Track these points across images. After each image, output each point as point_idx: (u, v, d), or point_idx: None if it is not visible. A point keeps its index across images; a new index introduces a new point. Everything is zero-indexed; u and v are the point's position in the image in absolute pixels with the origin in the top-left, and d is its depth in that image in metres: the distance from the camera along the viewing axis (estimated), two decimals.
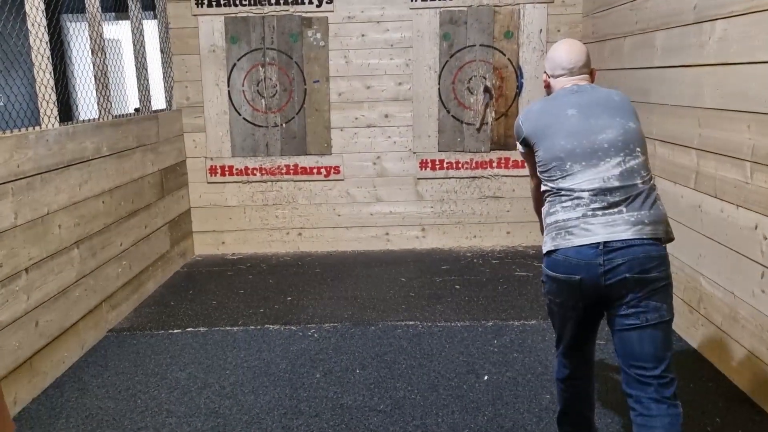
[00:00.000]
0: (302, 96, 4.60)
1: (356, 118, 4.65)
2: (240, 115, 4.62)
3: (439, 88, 4.59)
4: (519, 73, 4.57)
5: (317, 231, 4.79)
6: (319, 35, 4.53)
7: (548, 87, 2.01)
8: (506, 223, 4.76)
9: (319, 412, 2.48)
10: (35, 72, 2.87)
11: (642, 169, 1.78)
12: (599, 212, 1.73)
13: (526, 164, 2.10)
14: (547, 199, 1.88)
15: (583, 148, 1.79)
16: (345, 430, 2.36)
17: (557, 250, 1.78)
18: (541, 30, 4.50)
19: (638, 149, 1.80)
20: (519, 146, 2.02)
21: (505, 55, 4.55)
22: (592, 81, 1.96)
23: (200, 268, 4.47)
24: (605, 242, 1.70)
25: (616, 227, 1.71)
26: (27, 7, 2.82)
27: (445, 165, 4.70)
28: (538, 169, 1.92)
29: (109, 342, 3.23)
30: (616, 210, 1.73)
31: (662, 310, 1.73)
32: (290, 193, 4.74)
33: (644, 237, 1.70)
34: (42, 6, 2.87)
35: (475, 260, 4.46)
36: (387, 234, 4.81)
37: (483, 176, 4.71)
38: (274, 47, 4.54)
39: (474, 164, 4.69)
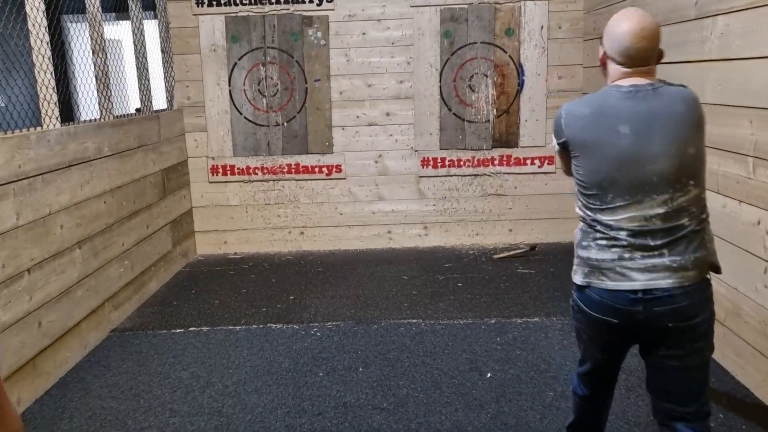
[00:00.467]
0: (303, 95, 4.59)
1: (357, 117, 4.65)
2: (241, 114, 4.62)
3: (440, 86, 4.58)
4: (520, 71, 4.56)
5: (319, 230, 4.78)
6: (319, 34, 4.52)
7: (604, 66, 1.70)
8: (508, 220, 4.76)
9: (322, 411, 2.48)
10: (36, 72, 2.87)
11: (693, 205, 1.55)
12: (638, 255, 1.54)
13: (557, 160, 1.90)
14: (582, 227, 1.67)
15: (630, 180, 1.54)
16: (348, 428, 2.36)
17: (590, 286, 1.61)
18: (542, 27, 4.49)
19: (692, 182, 1.54)
20: (554, 142, 1.78)
21: (506, 52, 4.54)
22: (658, 61, 1.63)
23: (202, 267, 4.47)
24: (644, 290, 1.52)
25: (656, 273, 1.52)
26: (27, 8, 2.82)
27: (446, 163, 4.69)
28: (577, 186, 1.69)
29: (112, 342, 3.24)
30: (656, 253, 1.52)
31: (705, 350, 1.60)
32: (292, 192, 4.74)
33: (688, 284, 1.52)
34: (42, 7, 2.87)
35: (477, 258, 4.45)
36: (389, 232, 4.80)
37: (485, 174, 4.70)
38: (274, 46, 4.53)
39: (476, 162, 4.68)
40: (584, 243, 1.64)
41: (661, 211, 1.53)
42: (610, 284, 1.56)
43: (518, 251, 4.11)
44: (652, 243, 1.53)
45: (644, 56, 1.59)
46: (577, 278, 1.66)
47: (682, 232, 1.53)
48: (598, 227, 1.60)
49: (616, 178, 1.56)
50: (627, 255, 1.55)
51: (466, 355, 2.92)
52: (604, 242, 1.58)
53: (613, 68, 1.65)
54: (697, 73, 2.82)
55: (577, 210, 1.69)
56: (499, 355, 2.91)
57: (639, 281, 1.53)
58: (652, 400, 1.69)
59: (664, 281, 1.51)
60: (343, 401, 2.55)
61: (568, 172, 1.79)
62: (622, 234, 1.55)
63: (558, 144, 1.74)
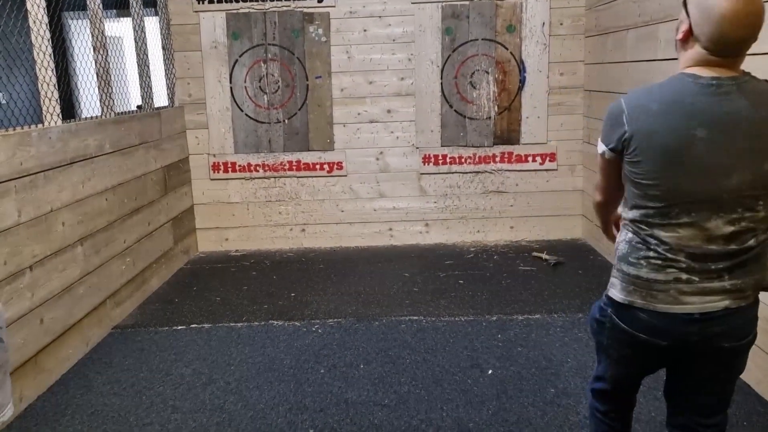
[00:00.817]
0: (304, 92, 4.59)
1: (359, 114, 4.64)
2: (242, 111, 4.62)
3: (441, 83, 4.58)
4: (522, 68, 4.55)
5: (320, 227, 4.78)
6: (320, 31, 4.52)
7: (684, 41, 1.41)
8: (510, 218, 4.75)
9: (323, 407, 2.49)
10: (37, 69, 2.87)
11: (760, 226, 1.38)
12: (695, 278, 1.39)
13: (599, 174, 1.54)
14: (630, 239, 1.47)
15: (698, 195, 1.35)
16: (350, 424, 2.36)
17: (633, 306, 1.46)
18: (543, 23, 4.48)
19: (761, 202, 1.36)
20: (602, 146, 1.47)
21: (507, 49, 4.53)
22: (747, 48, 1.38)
23: (204, 264, 4.48)
24: (701, 313, 1.39)
25: (713, 296, 1.39)
26: (28, 5, 2.82)
27: (448, 160, 4.69)
28: (632, 195, 1.44)
29: (114, 339, 3.24)
30: (715, 276, 1.38)
31: (741, 366, 1.52)
32: (293, 190, 4.74)
33: (744, 305, 1.42)
34: (43, 3, 2.87)
35: (478, 255, 4.45)
36: (390, 229, 4.80)
37: (486, 171, 4.70)
38: (275, 43, 4.53)
39: (477, 159, 4.68)
40: (632, 259, 1.45)
41: (726, 231, 1.35)
42: (661, 307, 1.41)
43: (550, 258, 4.18)
44: (713, 267, 1.38)
45: (740, 47, 1.35)
46: (617, 294, 1.49)
47: (745, 256, 1.38)
48: (654, 245, 1.41)
49: (685, 191, 1.35)
50: (684, 277, 1.39)
51: (467, 352, 2.92)
52: (659, 262, 1.41)
53: (696, 51, 1.37)
54: None
55: (627, 221, 1.48)
56: (500, 351, 2.92)
57: (694, 305, 1.39)
58: (672, 411, 1.61)
59: (721, 303, 1.39)
60: (345, 398, 2.55)
61: (609, 189, 1.54)
62: (681, 256, 1.38)
63: (609, 148, 1.44)
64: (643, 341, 1.47)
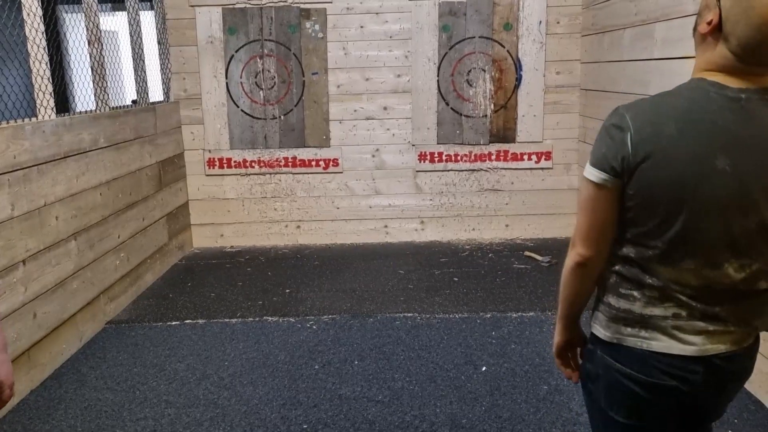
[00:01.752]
0: (301, 88, 4.58)
1: (355, 111, 4.64)
2: (238, 107, 4.60)
3: (438, 80, 4.58)
4: (518, 66, 4.55)
5: (316, 224, 4.78)
6: (317, 26, 4.50)
7: (707, 36, 1.11)
8: (505, 216, 4.76)
9: (317, 403, 2.49)
10: (31, 63, 2.85)
11: None
12: (697, 314, 1.16)
13: (583, 215, 1.20)
14: (618, 269, 1.21)
15: (708, 239, 1.11)
16: (343, 420, 2.36)
17: (622, 344, 1.20)
18: (540, 22, 4.48)
19: None
20: (594, 173, 1.15)
21: (504, 47, 4.53)
22: None
23: (198, 260, 4.47)
24: (709, 356, 1.17)
25: (716, 337, 1.17)
26: None
27: (444, 157, 4.69)
28: (622, 229, 1.17)
29: (108, 334, 3.23)
30: (720, 319, 1.17)
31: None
32: (289, 186, 4.73)
33: (747, 345, 1.22)
34: None
35: (473, 253, 4.46)
36: (386, 227, 4.80)
37: (482, 169, 4.70)
38: (272, 39, 4.51)
39: (473, 157, 4.68)
40: (623, 290, 1.19)
41: (738, 277, 1.14)
42: (656, 345, 1.18)
43: (543, 260, 4.19)
44: (717, 309, 1.16)
45: None
46: (602, 331, 1.23)
47: (754, 299, 1.17)
48: (650, 279, 1.16)
49: (693, 233, 1.11)
50: (684, 313, 1.16)
51: (461, 349, 2.92)
52: (655, 294, 1.17)
53: (720, 54, 1.09)
54: None
55: (615, 257, 1.21)
56: (494, 349, 2.92)
57: (695, 345, 1.17)
58: None
59: (724, 345, 1.18)
60: (339, 394, 2.55)
61: (597, 235, 1.18)
62: (682, 293, 1.15)
63: (605, 174, 1.13)
64: (645, 385, 1.19)
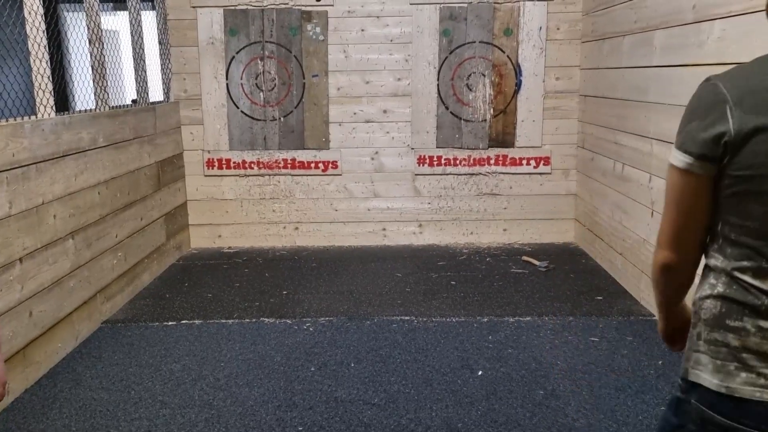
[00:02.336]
0: (301, 90, 4.58)
1: (355, 113, 4.64)
2: (238, 108, 4.61)
3: (438, 84, 4.58)
4: (518, 71, 4.56)
5: (314, 225, 4.78)
6: (318, 29, 4.51)
7: None
8: (503, 220, 4.76)
9: (313, 405, 2.48)
10: (32, 61, 2.85)
11: None
12: None
13: (670, 209, 1.01)
14: (726, 293, 0.98)
15: None
16: (339, 423, 2.36)
17: (738, 396, 0.96)
18: (540, 28, 4.50)
19: None
20: (681, 157, 0.98)
21: (504, 52, 4.54)
22: None
23: (196, 261, 4.46)
24: None
25: None
26: None
27: (443, 161, 4.69)
28: (727, 229, 0.96)
29: (104, 333, 3.23)
30: None
31: None
32: (287, 188, 4.73)
33: None
34: None
35: (471, 257, 4.46)
36: (384, 229, 4.80)
37: (480, 173, 4.71)
38: (273, 40, 4.52)
39: (472, 161, 4.69)
40: (731, 322, 0.96)
41: None
42: None
43: (540, 264, 4.19)
44: None
45: None
46: (709, 378, 0.98)
47: None
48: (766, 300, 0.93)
49: None
50: None
51: (457, 353, 2.92)
52: None
53: None
54: (694, 77, 2.83)
55: (716, 272, 1.00)
56: (491, 353, 2.92)
57: None
58: None
59: None
60: (335, 396, 2.55)
61: (688, 234, 1.00)
62: None
63: (700, 156, 0.95)
64: None
